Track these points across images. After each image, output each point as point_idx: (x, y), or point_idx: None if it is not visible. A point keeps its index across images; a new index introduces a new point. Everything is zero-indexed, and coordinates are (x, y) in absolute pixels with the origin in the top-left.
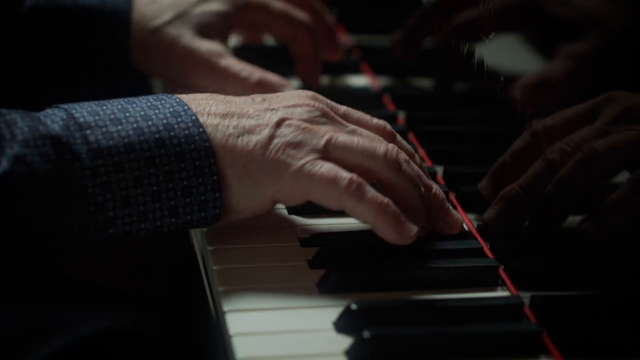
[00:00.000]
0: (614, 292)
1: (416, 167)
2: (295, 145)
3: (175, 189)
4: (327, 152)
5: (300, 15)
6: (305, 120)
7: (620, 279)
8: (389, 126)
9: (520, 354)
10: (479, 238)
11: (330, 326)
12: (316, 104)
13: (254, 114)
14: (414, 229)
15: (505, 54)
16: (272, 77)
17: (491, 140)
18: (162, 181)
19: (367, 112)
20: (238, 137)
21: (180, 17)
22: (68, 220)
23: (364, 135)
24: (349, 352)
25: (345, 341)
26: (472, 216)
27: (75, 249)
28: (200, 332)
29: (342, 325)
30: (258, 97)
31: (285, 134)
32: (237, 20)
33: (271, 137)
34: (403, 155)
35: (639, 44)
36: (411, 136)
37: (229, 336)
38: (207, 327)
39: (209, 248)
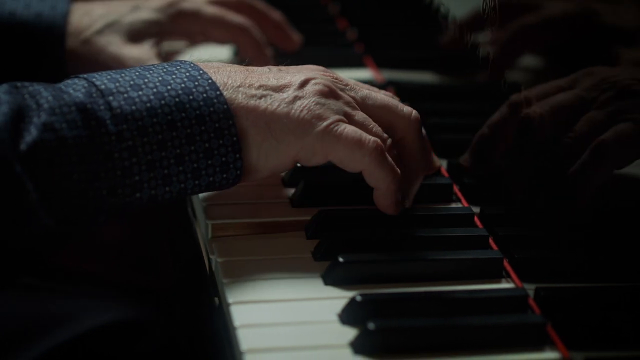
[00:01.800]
0: (618, 283)
1: (423, 132)
2: (321, 105)
3: (198, 151)
4: (350, 117)
5: (235, 18)
6: (326, 85)
7: (623, 271)
8: (392, 96)
9: (525, 345)
10: (484, 229)
11: (335, 318)
12: (331, 74)
13: (274, 78)
14: (406, 204)
15: None
16: None
17: None
18: (184, 144)
19: None
20: (261, 98)
21: (110, 26)
22: (97, 185)
23: (380, 97)
24: (353, 344)
25: (350, 333)
26: (476, 208)
27: (104, 215)
28: (204, 325)
29: (347, 316)
30: (274, 68)
31: (310, 93)
32: (169, 28)
33: (296, 97)
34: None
35: None
36: None
37: (234, 328)
38: (211, 319)
39: (213, 241)
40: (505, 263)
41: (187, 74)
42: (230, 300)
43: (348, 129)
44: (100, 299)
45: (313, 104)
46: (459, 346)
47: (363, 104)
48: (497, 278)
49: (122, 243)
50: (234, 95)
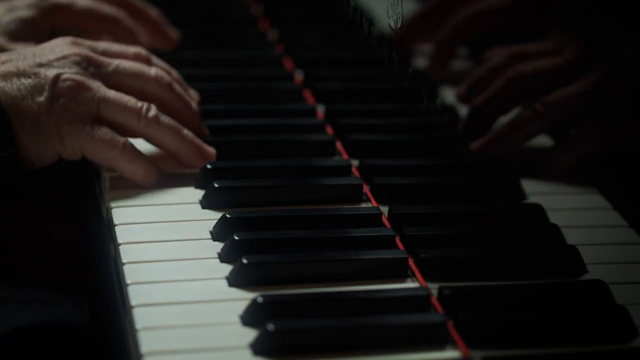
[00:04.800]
0: (520, 282)
1: (178, 86)
2: (74, 106)
3: None
4: (99, 111)
5: (107, 9)
6: (76, 74)
7: (526, 270)
8: (144, 51)
9: (427, 344)
10: (391, 228)
11: (237, 319)
12: (81, 51)
13: (30, 72)
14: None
15: None
16: None
17: (407, 133)
18: None
19: (287, 107)
20: (23, 99)
21: None
22: None
23: (129, 67)
24: (253, 345)
25: (251, 334)
26: (384, 208)
27: None
28: (111, 326)
29: (248, 318)
30: (28, 51)
31: (63, 93)
32: (45, 24)
33: (52, 99)
34: (169, 77)
35: None
36: (329, 129)
37: (136, 330)
38: (117, 320)
39: (120, 243)
40: (412, 263)
41: None
42: (133, 302)
43: (100, 132)
44: (22, 300)
45: (66, 106)
46: (359, 346)
47: (115, 79)
48: (402, 278)
49: (46, 246)
50: (3, 97)
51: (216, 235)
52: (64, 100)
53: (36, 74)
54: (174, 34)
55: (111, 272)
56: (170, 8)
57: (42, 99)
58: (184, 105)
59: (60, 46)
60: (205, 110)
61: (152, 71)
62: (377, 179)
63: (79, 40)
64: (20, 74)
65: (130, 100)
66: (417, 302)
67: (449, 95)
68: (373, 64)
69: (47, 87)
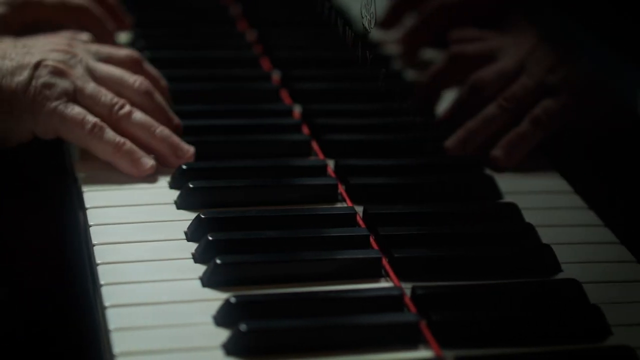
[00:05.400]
0: (492, 282)
1: (161, 98)
2: (50, 86)
3: None
4: (76, 96)
5: (75, 0)
6: (60, 62)
7: (501, 270)
8: (135, 54)
9: (400, 344)
10: (365, 228)
11: (210, 320)
12: (71, 48)
13: (15, 57)
14: (148, 162)
15: None
16: None
17: (383, 133)
18: None
19: (264, 107)
20: (3, 78)
21: None
22: None
23: (111, 72)
24: (226, 345)
25: (224, 334)
26: (359, 208)
27: None
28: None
29: (221, 318)
30: (20, 43)
31: (42, 74)
32: (17, 19)
33: (30, 78)
34: (149, 86)
35: None
36: (305, 129)
37: (109, 331)
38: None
39: (94, 243)
40: (386, 263)
41: None
42: (106, 303)
43: (73, 110)
44: None
45: (43, 86)
46: (332, 346)
47: (93, 76)
48: (376, 277)
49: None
50: None
51: (190, 235)
52: (42, 80)
53: (21, 58)
54: (127, 18)
55: (86, 272)
56: (150, 8)
57: (20, 78)
58: (164, 117)
59: (53, 40)
60: (182, 110)
61: (132, 79)
62: (352, 179)
63: (76, 36)
64: (5, 57)
65: (106, 95)
66: (390, 302)
67: None
68: (350, 65)
69: (28, 69)
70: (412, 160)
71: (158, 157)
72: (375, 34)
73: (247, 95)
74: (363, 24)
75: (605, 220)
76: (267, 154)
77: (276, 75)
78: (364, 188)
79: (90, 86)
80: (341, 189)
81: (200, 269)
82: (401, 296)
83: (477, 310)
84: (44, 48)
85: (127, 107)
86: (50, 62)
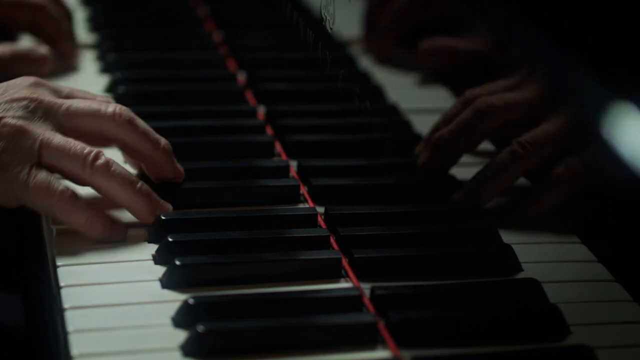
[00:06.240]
0: (454, 282)
1: (143, 122)
2: (10, 151)
3: None
4: (41, 157)
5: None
6: (20, 118)
7: (461, 269)
8: (125, 111)
9: (358, 344)
10: (326, 229)
11: (169, 321)
12: (33, 94)
13: None
14: (122, 229)
15: None
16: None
17: (346, 134)
18: None
19: (228, 108)
20: None
21: None
22: None
23: (82, 106)
24: (184, 346)
25: (182, 336)
26: (321, 209)
27: None
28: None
29: (180, 319)
30: None
31: (2, 137)
32: None
33: None
34: (129, 113)
35: None
36: (269, 129)
37: (67, 333)
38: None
39: (55, 246)
40: (346, 263)
41: None
42: (66, 305)
43: (37, 178)
44: None
45: (2, 150)
46: (290, 347)
47: (68, 121)
48: (336, 278)
49: None
50: None
51: (151, 237)
52: (1, 144)
53: None
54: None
55: (48, 274)
56: (116, 9)
57: None
58: (150, 144)
59: (15, 87)
60: (146, 112)
61: (109, 108)
62: (314, 180)
63: (42, 81)
64: None
65: (76, 145)
66: (349, 302)
67: (393, 96)
68: (314, 65)
69: None
70: (374, 161)
71: (134, 214)
72: (338, 35)
73: (213, 96)
74: (324, 25)
75: (565, 221)
76: (230, 155)
77: (242, 76)
78: (325, 189)
79: (57, 139)
80: (303, 189)
81: (161, 270)
82: (360, 296)
83: (436, 310)
84: (4, 98)
85: (102, 159)
86: (7, 120)
